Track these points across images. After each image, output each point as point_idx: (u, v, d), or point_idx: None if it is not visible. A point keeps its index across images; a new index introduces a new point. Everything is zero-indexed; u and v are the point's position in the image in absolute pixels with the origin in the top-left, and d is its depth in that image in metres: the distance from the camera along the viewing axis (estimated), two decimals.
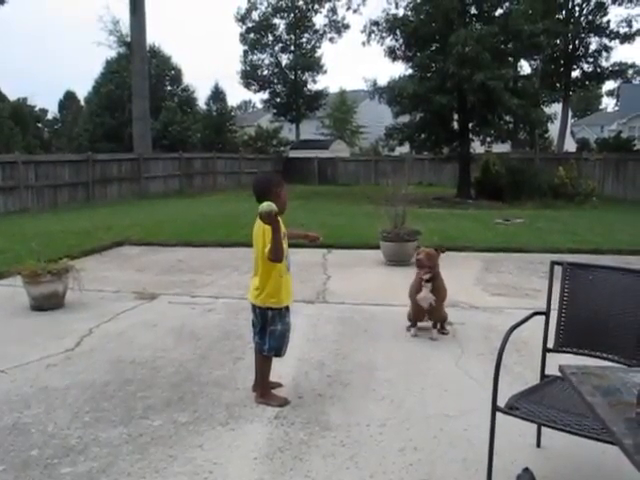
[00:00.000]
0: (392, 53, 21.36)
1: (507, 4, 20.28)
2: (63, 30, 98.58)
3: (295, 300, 6.02)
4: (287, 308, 3.71)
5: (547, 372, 2.96)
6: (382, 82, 21.32)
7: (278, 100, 41.10)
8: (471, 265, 8.37)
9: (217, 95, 36.01)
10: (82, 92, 48.92)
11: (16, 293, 6.37)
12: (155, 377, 4.13)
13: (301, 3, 39.82)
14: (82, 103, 44.85)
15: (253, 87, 41.16)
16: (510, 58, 20.96)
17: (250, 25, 39.71)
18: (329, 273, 7.75)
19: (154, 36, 58.21)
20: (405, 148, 23.93)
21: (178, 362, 4.41)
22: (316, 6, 39.98)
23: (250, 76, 40.35)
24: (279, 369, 4.13)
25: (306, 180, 30.28)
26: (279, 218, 3.44)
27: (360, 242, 9.68)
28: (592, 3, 28.66)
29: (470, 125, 20.80)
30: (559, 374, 2.15)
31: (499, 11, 20.47)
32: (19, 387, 3.97)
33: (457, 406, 3.64)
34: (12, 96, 45.77)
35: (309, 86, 41.44)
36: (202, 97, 42.87)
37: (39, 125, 50.66)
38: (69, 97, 51.08)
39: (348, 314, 5.75)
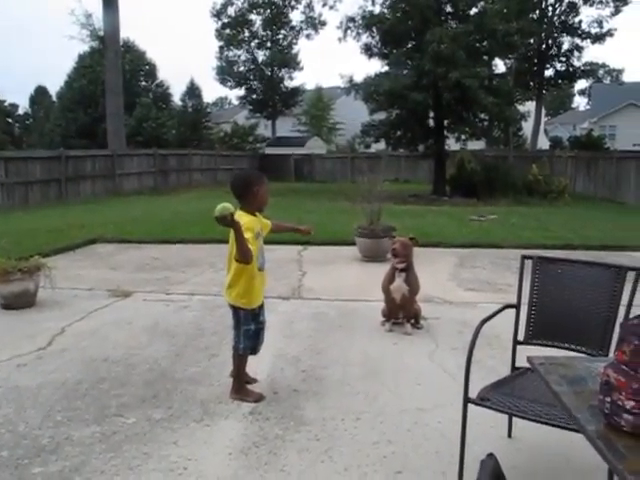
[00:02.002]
0: (368, 50, 21.44)
1: (482, 3, 20.50)
2: (34, 24, 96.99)
3: (271, 297, 6.10)
4: (260, 306, 3.72)
5: (518, 364, 3.01)
6: (358, 79, 21.43)
7: (254, 97, 40.96)
8: (446, 261, 8.46)
9: (193, 91, 35.70)
10: (54, 87, 48.20)
11: None
12: (129, 375, 4.10)
13: None
14: (54, 98, 44.11)
15: (229, 83, 40.95)
16: (485, 57, 21.18)
17: (226, 21, 39.46)
18: (305, 269, 7.76)
19: (128, 30, 57.59)
20: (381, 145, 24.01)
21: (152, 359, 4.39)
22: (293, 2, 39.92)
23: (226, 72, 40.13)
24: (254, 365, 4.13)
25: (282, 177, 30.18)
26: (256, 216, 3.45)
27: (336, 239, 9.70)
28: (564, 3, 29.11)
29: (445, 122, 20.97)
30: (529, 366, 2.20)
31: (474, 10, 20.68)
32: None
33: (431, 400, 3.68)
34: None
35: (285, 83, 41.42)
36: (177, 93, 42.70)
37: (9, 121, 49.73)
38: (40, 92, 50.21)
39: (323, 310, 5.78)
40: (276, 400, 3.68)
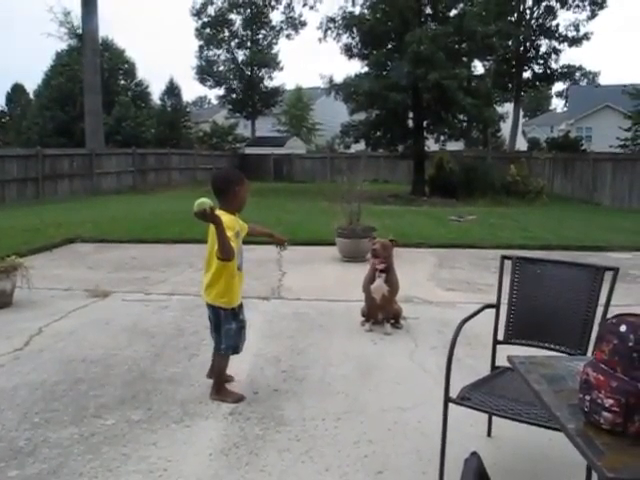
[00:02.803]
0: (348, 51, 21.49)
1: (461, 5, 20.68)
2: (11, 21, 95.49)
3: (250, 296, 6.09)
4: (240, 306, 3.70)
5: (497, 364, 3.03)
6: (338, 79, 21.46)
7: (234, 96, 40.83)
8: (425, 261, 8.50)
9: (172, 90, 35.43)
10: (31, 85, 47.47)
11: None
12: (108, 375, 4.05)
13: None
14: (31, 96, 43.47)
15: (209, 83, 40.76)
16: (464, 58, 21.36)
17: (206, 20, 39.27)
18: (284, 269, 7.75)
19: (107, 28, 57.02)
20: (361, 145, 24.07)
21: (132, 360, 4.34)
22: (273, 2, 39.81)
23: (206, 72, 39.93)
24: (235, 365, 4.10)
25: (262, 177, 30.11)
26: (235, 216, 3.45)
27: (316, 239, 9.70)
28: (542, 7, 29.45)
29: (425, 123, 21.10)
30: (509, 365, 2.22)
31: (454, 12, 20.87)
32: None
33: (411, 399, 3.70)
34: None
35: (265, 83, 41.33)
36: (157, 92, 42.24)
37: None
38: (17, 90, 49.34)
39: (304, 310, 5.77)
40: (256, 400, 3.66)
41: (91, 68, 23.29)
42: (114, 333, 5.02)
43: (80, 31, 25.15)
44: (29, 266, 6.13)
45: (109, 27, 77.19)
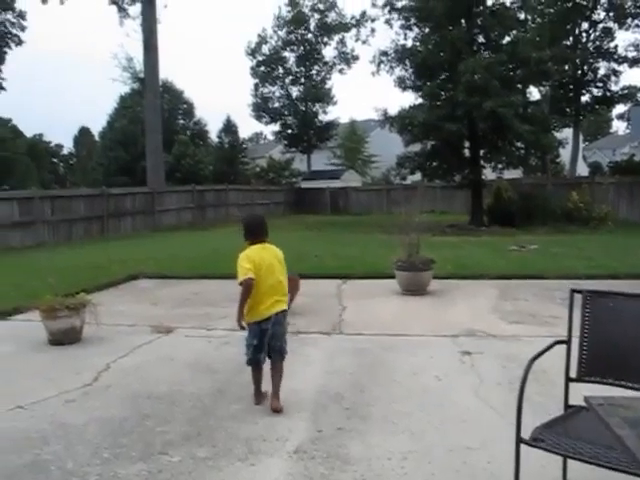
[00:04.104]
0: (402, 83, 21.59)
1: (514, 32, 20.51)
2: (78, 68, 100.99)
3: (311, 332, 6.14)
4: (268, 319, 4.16)
5: (570, 402, 2.91)
6: (393, 111, 21.51)
7: (289, 132, 41.59)
8: (486, 293, 8.32)
9: (229, 127, 36.49)
10: (96, 127, 49.79)
11: (34, 328, 6.41)
12: (173, 412, 4.12)
13: (310, 36, 40.56)
14: (96, 138, 45.60)
15: (264, 119, 41.72)
16: (519, 85, 21.12)
17: (261, 58, 40.45)
18: (345, 304, 7.72)
19: (166, 71, 59.49)
20: (417, 176, 23.97)
21: (195, 396, 4.40)
22: (325, 39, 40.70)
23: (261, 108, 40.94)
24: (297, 402, 4.13)
25: (318, 210, 30.42)
26: (261, 245, 4.33)
27: (375, 272, 9.67)
28: (599, 29, 28.92)
29: (481, 152, 20.86)
30: (583, 404, 2.13)
31: (506, 39, 20.70)
32: (38, 423, 3.97)
33: (478, 438, 3.59)
34: (28, 132, 46.82)
35: (320, 117, 41.91)
36: (214, 130, 43.66)
37: (54, 160, 51.60)
38: (84, 132, 52.03)
39: (365, 345, 5.72)
40: (320, 438, 3.63)
41: (152, 109, 24.32)
42: (178, 369, 5.11)
43: (142, 75, 26.32)
44: (96, 302, 6.34)
45: (169, 70, 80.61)
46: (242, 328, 4.19)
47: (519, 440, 2.51)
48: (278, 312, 4.16)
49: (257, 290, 4.09)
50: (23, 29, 38.79)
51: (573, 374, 2.91)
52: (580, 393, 3.02)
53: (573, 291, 2.97)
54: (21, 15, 38.31)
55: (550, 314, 6.80)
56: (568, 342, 2.92)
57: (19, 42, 38.95)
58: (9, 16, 38.22)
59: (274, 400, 4.07)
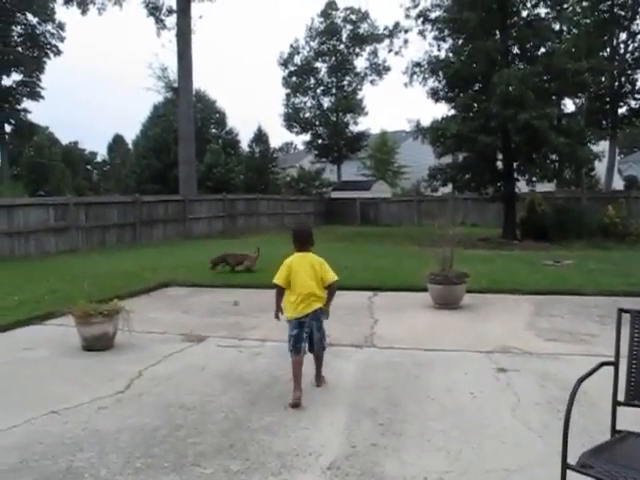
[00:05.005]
0: (435, 94, 21.45)
1: (550, 43, 20.25)
2: (113, 77, 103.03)
3: (343, 345, 6.10)
4: (306, 316, 4.67)
5: (617, 426, 2.80)
6: (425, 122, 21.40)
7: (320, 142, 41.73)
8: (521, 309, 8.16)
9: (260, 137, 36.74)
10: (130, 136, 50.76)
11: (67, 333, 6.51)
12: (205, 423, 4.10)
13: (342, 47, 40.72)
14: (130, 146, 46.40)
15: (295, 129, 41.96)
16: (554, 97, 20.81)
17: (292, 69, 40.75)
18: (376, 317, 7.65)
19: (200, 81, 60.29)
20: (448, 188, 23.79)
21: (227, 407, 4.38)
22: (357, 49, 40.82)
23: (292, 118, 41.18)
24: (330, 416, 4.08)
25: (348, 221, 30.37)
26: (303, 252, 4.81)
27: (407, 284, 9.58)
28: (638, 39, 28.38)
29: (515, 165, 20.60)
30: (632, 429, 2.04)
31: (542, 50, 20.44)
32: (72, 429, 4.00)
33: (517, 460, 3.48)
34: (64, 140, 47.83)
35: (350, 127, 41.99)
36: (245, 139, 44.08)
37: (88, 167, 52.56)
38: (118, 140, 52.91)
39: (398, 359, 5.65)
40: (354, 454, 3.57)
41: (185, 118, 24.64)
42: (209, 379, 5.10)
43: (176, 84, 26.69)
44: (129, 309, 6.38)
45: (202, 79, 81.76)
46: (277, 318, 4.83)
47: (565, 466, 2.42)
48: (315, 310, 4.69)
49: (292, 292, 4.70)
50: (62, 40, 39.86)
51: (621, 398, 2.80)
52: (627, 417, 2.92)
53: (621, 311, 2.87)
54: (60, 26, 39.37)
55: (588, 332, 6.63)
56: (616, 364, 2.82)
57: (57, 52, 40.00)
58: (49, 27, 39.27)
59: (317, 380, 4.90)
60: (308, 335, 4.66)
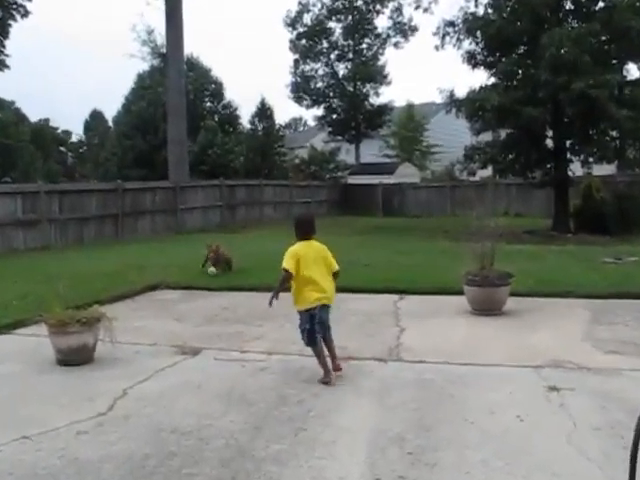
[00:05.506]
0: (471, 59, 21.39)
1: None
2: (90, 44, 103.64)
3: (364, 358, 6.12)
4: (317, 308, 5.52)
5: None
6: (460, 93, 21.33)
7: (334, 116, 41.75)
8: (576, 315, 8.13)
9: (263, 112, 36.78)
10: (111, 112, 51.04)
11: (40, 344, 6.57)
12: (202, 450, 4.13)
13: (360, 3, 40.58)
14: (110, 124, 46.69)
15: (305, 102, 42.01)
16: (615, 61, 20.64)
17: (301, 30, 40.72)
18: (403, 324, 7.66)
19: (192, 46, 60.31)
20: (487, 171, 23.71)
21: (228, 432, 4.41)
22: (378, 6, 40.63)
23: (301, 89, 41.22)
24: (349, 443, 4.09)
25: (368, 211, 30.39)
26: (306, 241, 5.68)
27: (438, 286, 9.57)
28: None
29: (568, 143, 20.49)
30: None
31: (600, 4, 20.27)
32: (46, 458, 4.04)
33: None
34: (33, 117, 48.25)
35: (371, 100, 41.98)
36: (246, 115, 44.13)
37: (62, 149, 53.05)
38: (96, 117, 53.35)
39: (429, 376, 5.66)
40: None
41: (175, 90, 24.73)
42: (207, 399, 5.14)
43: (164, 50, 26.83)
44: (111, 316, 6.42)
45: (195, 44, 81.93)
46: (270, 305, 5.55)
47: None
48: (323, 305, 5.52)
49: (300, 281, 5.46)
50: None
51: None
52: None
53: None
54: None
55: None
56: None
57: (25, 13, 40.15)
58: None
59: (334, 363, 5.57)
60: (319, 323, 5.47)
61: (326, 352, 5.58)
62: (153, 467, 3.90)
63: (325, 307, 5.56)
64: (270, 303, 5.52)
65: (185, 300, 9.59)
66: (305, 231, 5.72)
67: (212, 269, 11.53)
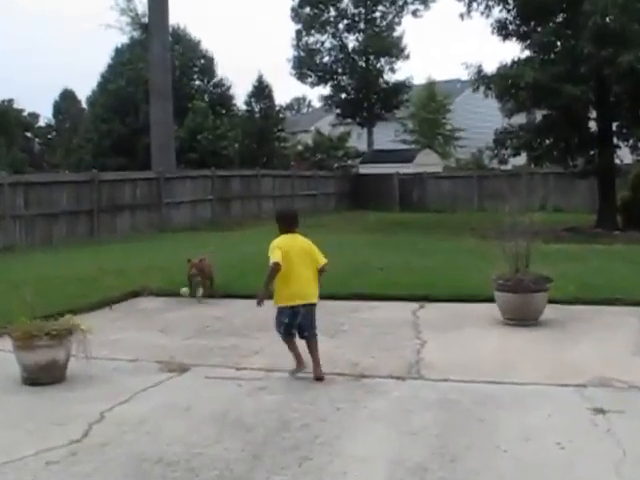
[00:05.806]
0: (502, 29, 21.38)
1: None
2: (60, 12, 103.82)
3: (379, 376, 6.13)
4: (299, 307, 6.09)
5: None
6: (489, 68, 21.30)
7: (343, 96, 41.67)
8: (626, 325, 8.14)
9: (261, 91, 36.82)
10: (84, 91, 51.07)
11: (4, 360, 6.57)
12: None
13: None
14: (84, 105, 46.78)
15: (309, 79, 41.98)
16: None
17: None
18: (424, 337, 7.66)
19: (178, 15, 60.44)
20: (521, 159, 23.66)
21: (222, 462, 4.40)
22: None
23: (305, 64, 41.18)
24: (362, 474, 4.09)
25: (383, 205, 30.37)
26: (289, 234, 6.27)
27: (465, 293, 9.58)
28: None
29: (614, 125, 20.46)
30: None
31: None
32: None
33: None
34: None
35: (385, 76, 41.91)
36: (241, 95, 44.14)
37: (28, 135, 53.12)
38: (67, 97, 53.46)
39: (454, 396, 5.66)
40: None
41: (159, 66, 24.71)
42: (197, 423, 5.14)
43: (146, 19, 26.83)
44: (86, 328, 6.43)
45: (181, 12, 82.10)
46: (259, 305, 6.08)
47: None
48: (307, 303, 6.05)
49: (285, 275, 5.92)
50: None
51: None
52: None
53: None
54: None
55: None
56: None
57: None
58: None
59: (316, 369, 6.00)
60: (299, 322, 6.05)
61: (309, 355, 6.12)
62: None
63: (310, 306, 6.08)
64: (259, 302, 6.03)
65: (171, 309, 9.61)
66: (288, 224, 6.31)
67: (185, 289, 9.97)
